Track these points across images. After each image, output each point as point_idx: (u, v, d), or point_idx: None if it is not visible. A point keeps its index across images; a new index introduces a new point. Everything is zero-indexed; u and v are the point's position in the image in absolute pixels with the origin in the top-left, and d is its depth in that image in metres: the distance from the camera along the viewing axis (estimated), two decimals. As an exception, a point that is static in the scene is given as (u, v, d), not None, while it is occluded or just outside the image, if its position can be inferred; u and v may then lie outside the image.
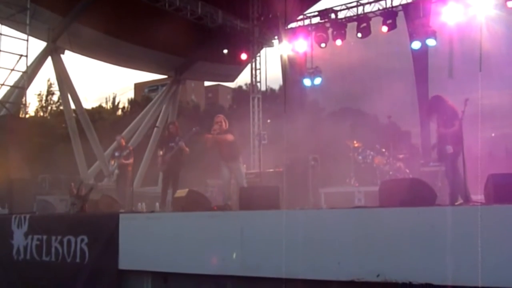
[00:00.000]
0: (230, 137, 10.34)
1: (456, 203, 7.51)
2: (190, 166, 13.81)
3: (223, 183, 10.48)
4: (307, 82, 16.38)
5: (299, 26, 16.90)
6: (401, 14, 14.68)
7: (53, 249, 7.94)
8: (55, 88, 34.26)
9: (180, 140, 11.04)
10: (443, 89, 13.13)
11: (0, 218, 9.21)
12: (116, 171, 12.49)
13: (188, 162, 11.89)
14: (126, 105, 45.41)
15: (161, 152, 11.44)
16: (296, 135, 14.42)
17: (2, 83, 12.71)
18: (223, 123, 10.39)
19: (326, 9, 15.97)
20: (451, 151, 8.12)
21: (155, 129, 19.28)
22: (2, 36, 12.81)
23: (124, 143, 13.15)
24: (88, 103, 60.31)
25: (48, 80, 37.21)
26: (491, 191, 5.94)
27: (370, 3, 15.35)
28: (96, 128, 19.55)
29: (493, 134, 12.27)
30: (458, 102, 8.46)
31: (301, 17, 17.02)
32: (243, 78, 41.49)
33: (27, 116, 21.05)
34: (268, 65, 20.04)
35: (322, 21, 16.07)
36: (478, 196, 7.29)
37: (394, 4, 14.95)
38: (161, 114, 20.56)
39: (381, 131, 13.60)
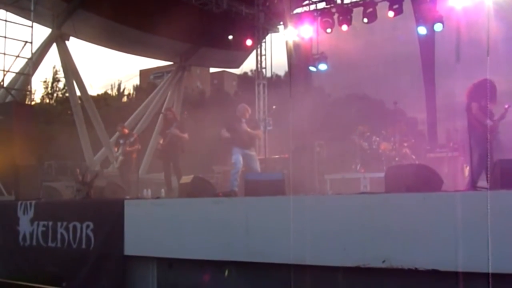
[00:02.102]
0: (260, 134, 10.44)
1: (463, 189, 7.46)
2: (195, 152, 13.82)
3: (234, 170, 10.34)
4: (312, 68, 16.29)
5: (305, 12, 16.75)
6: (407, -1, 14.53)
7: (58, 235, 7.99)
8: (61, 75, 34.17)
9: (175, 127, 11.10)
10: (450, 74, 13.05)
11: (6, 205, 9.25)
12: (121, 158, 12.51)
13: (193, 147, 11.89)
14: (132, 91, 45.35)
15: (161, 141, 11.51)
16: (302, 121, 14.37)
17: (7, 69, 12.67)
18: (246, 114, 10.34)
19: (331, -6, 15.82)
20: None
21: (161, 115, 19.24)
22: (7, 23, 12.76)
23: (126, 131, 13.12)
24: (94, 90, 60.33)
25: (54, 67, 37.13)
26: (498, 177, 5.90)
27: (376, -13, 15.18)
28: (101, 114, 19.53)
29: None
30: (465, 88, 8.41)
31: (306, 2, 16.86)
32: (249, 65, 41.16)
33: (33, 103, 21.03)
34: (274, 51, 19.80)
35: (328, 6, 15.91)
36: (484, 182, 7.24)
37: (400, -11, 14.78)
38: (167, 100, 20.51)
39: (387, 117, 13.53)
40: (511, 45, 12.27)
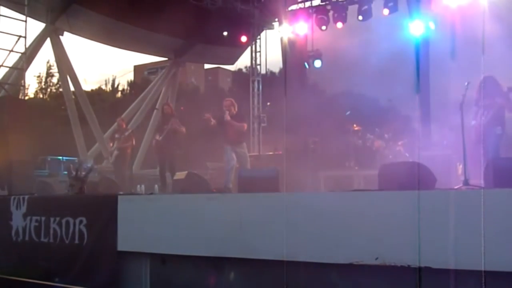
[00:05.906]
0: (244, 126, 10.40)
1: (456, 187, 7.48)
2: (190, 148, 13.80)
3: (227, 168, 10.35)
4: (307, 65, 16.29)
5: (300, 8, 16.75)
6: (402, -4, 14.54)
7: (51, 230, 7.95)
8: (55, 70, 34.17)
9: (173, 122, 11.10)
10: (445, 73, 13.08)
11: (-1, 200, 9.21)
12: (116, 153, 12.50)
13: (187, 144, 11.88)
14: (126, 87, 45.43)
15: (157, 136, 11.48)
16: (296, 118, 14.36)
17: (1, 64, 12.61)
18: (232, 108, 10.32)
19: (327, -9, 15.82)
20: (500, 132, 8.12)
21: (155, 111, 19.25)
22: (0, 17, 12.69)
23: (124, 126, 13.13)
24: (88, 85, 60.01)
25: (48, 62, 37.14)
26: (491, 175, 5.92)
27: (371, -15, 15.18)
28: (95, 110, 19.52)
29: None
30: (459, 85, 8.42)
31: (302, -1, 16.88)
32: (243, 61, 41.11)
33: (27, 97, 20.96)
34: (268, 47, 19.81)
35: (323, 3, 15.92)
36: (476, 180, 7.26)
37: (395, -13, 14.77)
38: (161, 96, 20.50)
39: (381, 114, 13.55)
40: (506, 43, 12.30)
